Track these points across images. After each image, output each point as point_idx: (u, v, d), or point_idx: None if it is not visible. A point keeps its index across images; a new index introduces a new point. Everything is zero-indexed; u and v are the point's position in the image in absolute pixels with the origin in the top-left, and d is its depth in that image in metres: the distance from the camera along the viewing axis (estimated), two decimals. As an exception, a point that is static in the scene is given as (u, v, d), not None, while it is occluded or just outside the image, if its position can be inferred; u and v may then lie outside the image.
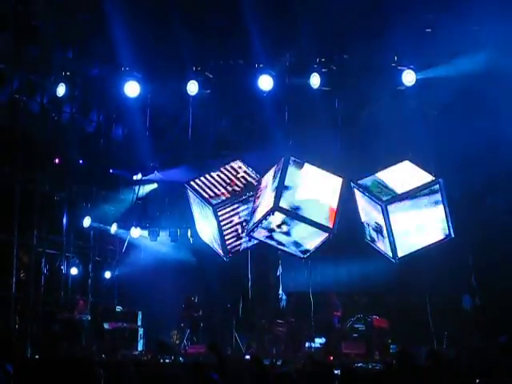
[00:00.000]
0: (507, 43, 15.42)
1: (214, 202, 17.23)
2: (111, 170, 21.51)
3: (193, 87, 17.70)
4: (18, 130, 18.06)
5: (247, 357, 16.87)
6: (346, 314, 19.33)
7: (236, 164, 18.00)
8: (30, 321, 18.08)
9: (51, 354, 14.21)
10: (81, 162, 20.53)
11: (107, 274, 21.60)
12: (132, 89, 17.85)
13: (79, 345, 18.40)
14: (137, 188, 21.55)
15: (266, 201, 16.58)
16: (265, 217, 16.33)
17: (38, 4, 17.39)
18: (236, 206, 17.42)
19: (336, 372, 9.54)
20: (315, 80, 16.95)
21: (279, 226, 16.39)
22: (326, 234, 16.51)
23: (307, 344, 19.03)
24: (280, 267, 20.17)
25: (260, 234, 16.68)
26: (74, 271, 20.32)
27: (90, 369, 4.36)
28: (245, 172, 17.83)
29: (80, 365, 4.45)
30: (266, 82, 17.17)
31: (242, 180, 17.72)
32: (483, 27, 15.32)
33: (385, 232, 16.43)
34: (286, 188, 16.26)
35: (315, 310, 19.42)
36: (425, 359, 10.41)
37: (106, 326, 19.31)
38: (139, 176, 21.54)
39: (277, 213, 16.15)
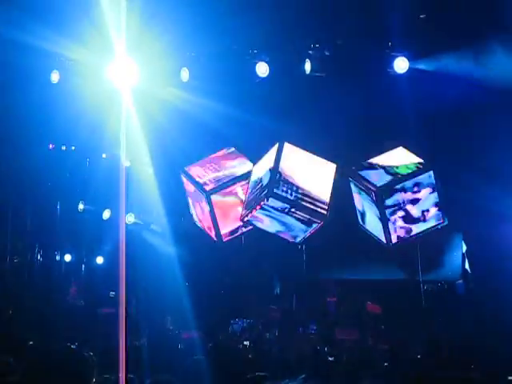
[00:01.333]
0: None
1: (207, 188, 17.27)
2: (104, 155, 21.46)
3: (185, 74, 17.62)
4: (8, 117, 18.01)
5: (246, 343, 16.93)
6: (340, 300, 19.41)
7: (229, 150, 18.01)
8: (24, 307, 18.08)
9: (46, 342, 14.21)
10: (73, 148, 20.47)
11: (100, 260, 21.61)
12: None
13: (73, 331, 18.41)
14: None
15: (260, 187, 16.61)
16: (259, 202, 16.38)
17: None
18: (230, 192, 17.45)
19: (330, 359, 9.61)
20: (307, 66, 16.91)
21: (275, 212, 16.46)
22: (320, 220, 16.57)
23: (301, 330, 19.11)
24: (274, 253, 20.17)
25: (255, 220, 16.73)
26: (67, 257, 20.35)
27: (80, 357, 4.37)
28: (238, 158, 17.84)
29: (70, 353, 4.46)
30: (261, 69, 17.12)
31: (236, 166, 17.74)
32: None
33: (378, 217, 16.49)
34: (280, 174, 16.29)
35: (309, 295, 19.49)
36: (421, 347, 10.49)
37: (100, 311, 19.34)
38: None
39: (271, 198, 16.21)
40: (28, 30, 14.60)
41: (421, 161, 16.59)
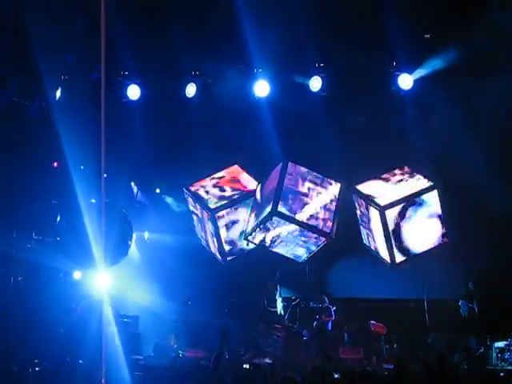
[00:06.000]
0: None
1: (212, 206, 17.26)
2: (105, 175, 21.40)
3: (191, 90, 17.80)
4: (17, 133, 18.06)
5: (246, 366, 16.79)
6: (344, 319, 19.31)
7: (234, 169, 18.02)
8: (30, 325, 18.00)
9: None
10: (82, 167, 20.45)
11: (106, 278, 21.50)
12: (133, 92, 17.92)
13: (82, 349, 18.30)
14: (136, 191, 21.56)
15: (264, 205, 16.62)
16: (263, 221, 16.38)
17: (38, 8, 17.37)
18: (234, 210, 17.44)
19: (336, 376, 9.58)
20: (316, 83, 17.02)
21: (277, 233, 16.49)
22: (324, 239, 16.57)
23: (305, 349, 19.01)
24: (278, 272, 20.12)
25: (259, 239, 16.73)
26: (75, 275, 20.24)
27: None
28: (243, 177, 17.86)
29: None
30: (264, 88, 17.29)
31: (240, 185, 17.75)
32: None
33: (382, 237, 16.48)
34: (284, 192, 16.30)
35: (311, 315, 19.41)
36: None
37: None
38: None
39: (275, 217, 16.21)
40: None
41: (425, 180, 16.63)
